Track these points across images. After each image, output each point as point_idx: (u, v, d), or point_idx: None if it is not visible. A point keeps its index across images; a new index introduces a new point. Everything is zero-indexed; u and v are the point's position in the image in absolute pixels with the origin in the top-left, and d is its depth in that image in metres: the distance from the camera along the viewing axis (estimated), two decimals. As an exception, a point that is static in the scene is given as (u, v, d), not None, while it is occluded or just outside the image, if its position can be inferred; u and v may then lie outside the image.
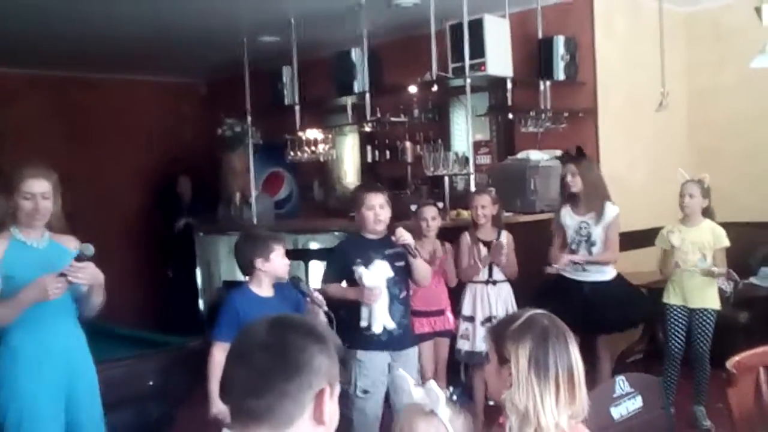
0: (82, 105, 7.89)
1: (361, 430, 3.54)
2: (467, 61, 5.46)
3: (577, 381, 1.85)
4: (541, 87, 5.97)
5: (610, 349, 4.79)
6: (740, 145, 6.25)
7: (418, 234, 4.38)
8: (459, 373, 4.84)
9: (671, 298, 4.53)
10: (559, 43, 5.79)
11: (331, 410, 1.43)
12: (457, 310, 4.61)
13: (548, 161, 5.55)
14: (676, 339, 4.52)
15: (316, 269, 6.11)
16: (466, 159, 5.77)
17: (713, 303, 4.48)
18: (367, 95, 6.24)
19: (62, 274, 2.82)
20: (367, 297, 3.48)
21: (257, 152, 7.19)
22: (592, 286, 4.53)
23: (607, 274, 4.57)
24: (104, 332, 4.15)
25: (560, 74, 5.82)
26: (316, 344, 1.41)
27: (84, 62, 7.43)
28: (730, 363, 2.54)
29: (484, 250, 4.54)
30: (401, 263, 3.61)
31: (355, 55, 6.32)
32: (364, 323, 3.55)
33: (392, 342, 3.59)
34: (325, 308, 3.18)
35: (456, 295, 4.65)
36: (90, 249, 2.87)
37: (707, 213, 4.50)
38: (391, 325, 3.55)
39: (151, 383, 3.62)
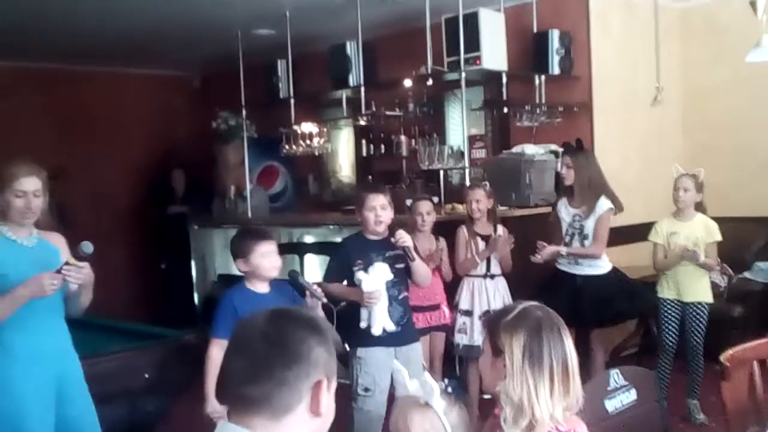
0: (73, 98, 7.79)
1: (362, 429, 3.54)
2: (462, 55, 5.46)
3: (571, 373, 1.85)
4: (536, 81, 5.98)
5: (603, 343, 4.80)
6: (735, 140, 6.27)
7: (413, 228, 4.38)
8: (455, 367, 4.85)
9: (665, 292, 4.55)
10: (554, 38, 5.79)
11: (328, 404, 1.43)
12: (453, 304, 4.62)
13: (543, 155, 5.56)
14: (670, 333, 4.54)
15: (312, 263, 6.12)
16: (461, 153, 5.77)
17: (706, 297, 4.50)
18: (362, 89, 6.24)
19: (59, 271, 2.80)
20: (367, 300, 3.50)
21: (252, 145, 7.18)
22: (584, 279, 4.54)
23: (601, 267, 4.57)
24: (99, 325, 4.15)
25: (555, 68, 5.82)
26: (315, 336, 1.42)
27: (75, 55, 7.34)
28: (724, 357, 2.55)
29: (481, 244, 4.54)
30: (401, 265, 3.60)
31: (350, 48, 6.32)
32: (363, 324, 3.56)
33: (393, 339, 3.58)
34: (324, 299, 3.18)
35: (452, 288, 4.66)
36: (89, 247, 2.83)
37: (699, 208, 4.52)
38: (391, 326, 3.55)
39: (146, 376, 3.61)
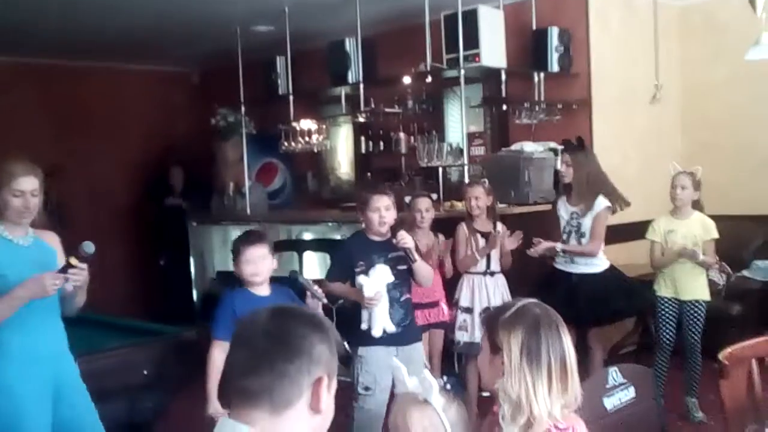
0: (71, 94, 7.76)
1: (362, 428, 3.53)
2: (461, 52, 5.46)
3: (569, 370, 1.85)
4: (535, 78, 5.98)
5: (602, 341, 4.80)
6: (734, 138, 6.27)
7: (412, 225, 4.38)
8: (453, 364, 4.86)
9: (662, 289, 4.55)
10: (553, 35, 5.79)
11: (328, 402, 1.43)
12: (453, 301, 4.62)
13: (542, 153, 5.56)
14: (667, 330, 4.54)
15: (310, 260, 6.12)
16: (460, 150, 5.77)
17: (703, 294, 4.50)
18: (361, 86, 6.24)
19: (63, 272, 2.78)
20: (367, 302, 3.49)
21: (250, 142, 7.17)
22: (580, 278, 4.54)
23: (598, 266, 4.57)
24: (98, 322, 4.14)
25: (554, 66, 5.82)
26: (318, 333, 1.42)
27: (73, 50, 7.31)
28: (723, 355, 2.56)
29: (481, 242, 4.54)
30: (403, 266, 3.58)
31: (350, 45, 6.31)
32: (364, 326, 3.55)
33: (395, 339, 3.57)
34: (325, 300, 3.18)
35: (451, 286, 4.66)
36: (91, 247, 2.80)
37: (697, 206, 4.52)
38: (391, 328, 3.54)
39: (145, 373, 3.61)
